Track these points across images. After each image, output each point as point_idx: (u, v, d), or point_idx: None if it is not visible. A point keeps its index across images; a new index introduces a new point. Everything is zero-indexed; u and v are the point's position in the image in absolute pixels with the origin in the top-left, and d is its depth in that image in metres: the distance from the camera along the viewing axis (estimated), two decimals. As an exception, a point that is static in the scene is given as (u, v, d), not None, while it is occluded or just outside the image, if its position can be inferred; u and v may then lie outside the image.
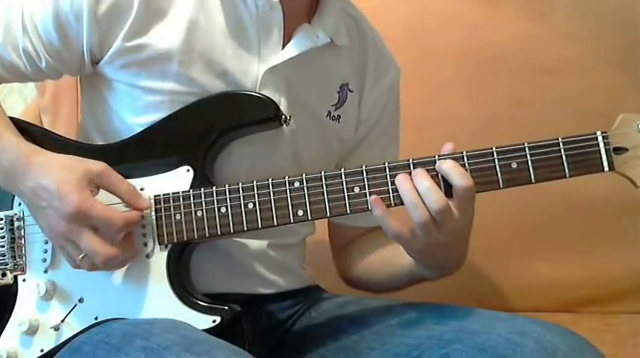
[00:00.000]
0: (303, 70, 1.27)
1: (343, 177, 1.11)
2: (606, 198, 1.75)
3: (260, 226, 1.14)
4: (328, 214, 1.12)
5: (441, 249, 1.12)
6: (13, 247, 1.23)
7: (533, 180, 1.08)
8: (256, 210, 1.14)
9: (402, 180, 1.08)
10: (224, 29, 1.23)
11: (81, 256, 1.12)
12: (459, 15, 1.87)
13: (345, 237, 1.43)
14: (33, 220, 1.19)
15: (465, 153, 1.09)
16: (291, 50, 1.24)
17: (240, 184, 1.14)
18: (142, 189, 1.19)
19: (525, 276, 1.78)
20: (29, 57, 1.23)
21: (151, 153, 1.21)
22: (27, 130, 1.23)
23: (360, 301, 1.32)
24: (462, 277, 1.71)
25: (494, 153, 1.08)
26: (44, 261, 1.22)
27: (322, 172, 1.12)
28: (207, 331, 1.11)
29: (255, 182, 1.14)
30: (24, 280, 1.23)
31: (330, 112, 1.32)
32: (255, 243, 1.27)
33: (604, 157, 1.07)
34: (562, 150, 1.07)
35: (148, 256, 1.18)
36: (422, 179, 1.07)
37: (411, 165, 1.10)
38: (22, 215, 1.24)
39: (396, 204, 1.09)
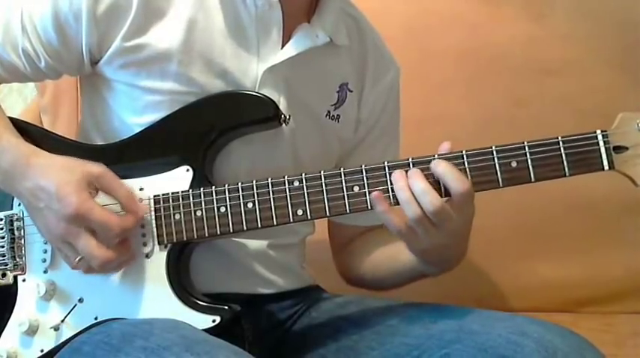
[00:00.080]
0: (303, 69, 1.27)
1: (343, 176, 1.11)
2: (606, 198, 1.75)
3: (259, 226, 1.14)
4: (328, 214, 1.12)
5: (443, 248, 1.13)
6: (13, 247, 1.23)
7: (532, 179, 1.08)
8: (256, 209, 1.14)
9: (397, 178, 1.08)
10: (223, 29, 1.23)
11: (77, 258, 1.12)
12: (459, 15, 1.87)
13: (345, 236, 1.43)
14: (32, 221, 1.19)
15: (464, 152, 1.08)
16: (291, 50, 1.24)
17: (239, 184, 1.15)
18: (141, 189, 1.19)
19: (525, 276, 1.78)
20: (28, 57, 1.23)
21: (150, 153, 1.21)
22: (26, 130, 1.23)
23: (360, 301, 1.32)
24: (462, 277, 1.71)
25: (494, 152, 1.08)
26: (44, 261, 1.22)
27: (322, 171, 1.12)
28: (207, 331, 1.11)
29: (254, 181, 1.14)
30: (24, 280, 1.23)
31: (329, 112, 1.32)
32: (254, 243, 1.27)
33: (604, 156, 1.07)
34: (562, 149, 1.07)
35: (147, 256, 1.18)
36: (417, 180, 1.07)
37: (411, 165, 1.10)
38: (21, 215, 1.24)
39: (396, 203, 1.09)
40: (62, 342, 1.19)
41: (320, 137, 1.32)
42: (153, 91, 1.21)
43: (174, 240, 1.17)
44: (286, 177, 1.13)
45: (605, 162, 1.07)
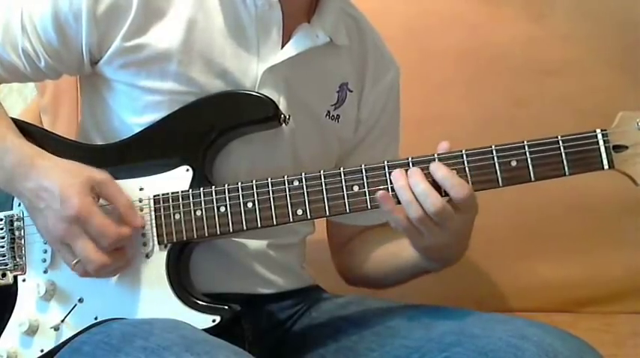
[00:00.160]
0: (303, 69, 1.27)
1: (342, 176, 1.11)
2: (606, 199, 1.76)
3: (259, 225, 1.14)
4: (328, 213, 1.12)
5: (446, 246, 1.13)
6: (13, 247, 1.23)
7: (532, 179, 1.08)
8: (255, 209, 1.14)
9: (397, 177, 1.09)
10: (223, 29, 1.23)
11: (75, 261, 1.12)
12: (459, 15, 1.87)
13: (345, 236, 1.43)
14: (32, 222, 1.19)
15: (464, 151, 1.09)
16: (291, 50, 1.24)
17: (239, 184, 1.15)
18: (141, 189, 1.19)
19: (525, 276, 1.78)
20: (28, 57, 1.23)
21: (150, 153, 1.21)
22: (27, 131, 1.23)
23: (360, 302, 1.32)
24: (462, 277, 1.72)
25: (494, 152, 1.08)
26: (44, 261, 1.22)
27: (321, 171, 1.12)
28: (207, 331, 1.11)
29: (254, 181, 1.14)
30: (24, 280, 1.23)
31: (329, 112, 1.32)
32: (254, 243, 1.27)
33: (604, 155, 1.06)
34: (562, 148, 1.07)
35: (147, 256, 1.18)
36: (417, 181, 1.07)
37: (410, 164, 1.10)
38: (22, 215, 1.24)
39: (397, 202, 1.09)
40: (62, 342, 1.18)
41: (320, 137, 1.32)
42: (153, 91, 1.21)
43: (174, 240, 1.17)
44: (286, 176, 1.13)
45: (605, 162, 1.07)
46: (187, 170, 1.18)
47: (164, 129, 1.21)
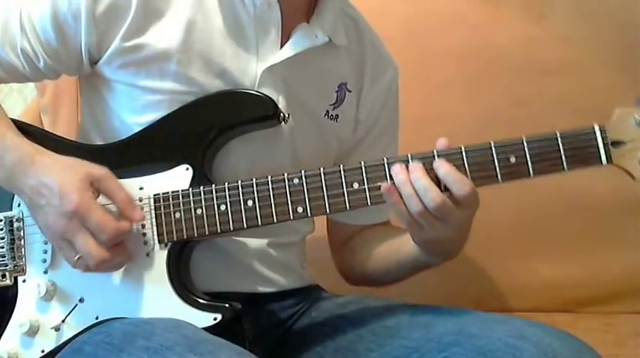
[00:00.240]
0: (302, 69, 1.27)
1: (342, 173, 1.12)
2: (605, 198, 1.76)
3: (260, 223, 1.14)
4: (328, 211, 1.12)
5: (447, 240, 1.14)
6: (12, 248, 1.23)
7: (531, 174, 1.08)
8: (256, 207, 1.14)
9: (397, 171, 1.09)
10: (222, 29, 1.23)
11: (76, 257, 1.12)
12: (459, 15, 1.87)
13: (345, 234, 1.43)
14: (32, 221, 1.19)
15: (463, 147, 1.09)
16: (290, 49, 1.25)
17: (239, 182, 1.15)
18: (141, 188, 1.19)
19: (525, 276, 1.78)
20: (27, 57, 1.23)
21: (150, 153, 1.21)
22: (26, 131, 1.23)
23: (360, 301, 1.32)
24: (462, 277, 1.72)
25: (493, 148, 1.09)
26: (44, 261, 1.22)
27: (321, 168, 1.13)
28: (208, 329, 1.12)
29: (254, 179, 1.14)
30: (24, 281, 1.23)
31: (328, 112, 1.32)
32: (254, 242, 1.27)
33: (602, 151, 1.07)
34: (560, 144, 1.07)
35: (148, 255, 1.18)
36: (418, 177, 1.07)
37: (410, 161, 1.10)
38: (21, 216, 1.24)
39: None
40: (63, 342, 1.19)
41: (319, 136, 1.32)
42: (152, 91, 1.21)
43: (175, 239, 1.17)
44: (286, 174, 1.14)
45: (604, 157, 1.07)
46: (187, 169, 1.19)
47: (163, 128, 1.21)
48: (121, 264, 1.16)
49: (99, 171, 1.15)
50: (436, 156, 1.09)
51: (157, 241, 1.18)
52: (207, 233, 1.16)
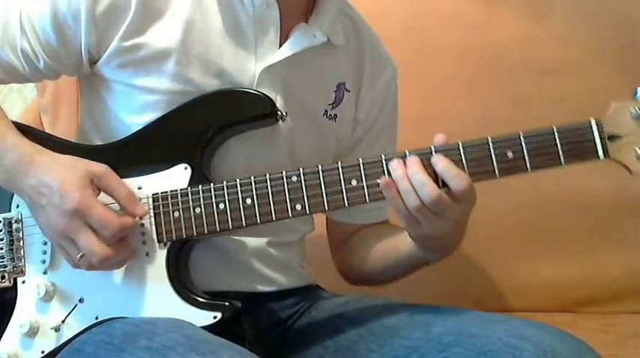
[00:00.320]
0: (300, 69, 1.27)
1: (340, 170, 1.12)
2: (605, 199, 1.76)
3: (258, 221, 1.14)
4: (326, 208, 1.13)
5: (444, 236, 1.14)
6: (11, 249, 1.23)
7: (529, 169, 1.08)
8: (254, 205, 1.14)
9: (395, 166, 1.09)
10: (221, 28, 1.23)
11: (79, 255, 1.12)
12: (459, 15, 1.87)
13: (344, 233, 1.43)
14: (31, 222, 1.20)
15: (460, 143, 1.09)
16: (288, 49, 1.25)
17: (237, 180, 1.15)
18: (139, 188, 1.19)
19: (524, 276, 1.78)
20: (27, 57, 1.23)
21: (148, 152, 1.21)
22: (25, 132, 1.23)
23: (360, 301, 1.32)
24: (462, 277, 1.72)
25: (490, 143, 1.09)
26: (43, 262, 1.22)
27: (319, 166, 1.13)
28: (208, 327, 1.12)
29: (252, 178, 1.14)
30: (23, 282, 1.23)
31: (326, 111, 1.33)
32: (254, 241, 1.28)
33: (599, 145, 1.07)
34: (557, 139, 1.08)
35: (147, 254, 1.18)
36: (415, 171, 1.08)
37: (408, 157, 1.10)
38: (20, 217, 1.24)
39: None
40: (63, 343, 1.19)
41: (317, 136, 1.32)
42: (151, 91, 1.21)
43: (174, 238, 1.17)
44: (284, 172, 1.14)
45: (600, 151, 1.07)
46: (185, 168, 1.19)
47: (162, 128, 1.21)
48: (123, 261, 1.16)
49: (99, 168, 1.15)
50: (434, 152, 1.10)
51: (156, 241, 1.18)
52: (206, 232, 1.16)
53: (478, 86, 1.83)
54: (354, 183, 1.11)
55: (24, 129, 1.24)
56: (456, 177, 1.07)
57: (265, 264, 1.29)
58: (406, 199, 1.08)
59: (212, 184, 1.16)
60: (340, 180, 1.12)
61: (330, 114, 1.33)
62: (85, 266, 1.14)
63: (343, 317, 1.29)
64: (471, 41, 1.85)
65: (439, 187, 1.07)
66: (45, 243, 1.22)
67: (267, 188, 1.14)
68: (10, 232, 1.24)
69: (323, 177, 1.12)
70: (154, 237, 1.18)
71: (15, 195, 1.23)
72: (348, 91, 1.35)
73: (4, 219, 1.24)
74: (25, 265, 1.23)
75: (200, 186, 1.16)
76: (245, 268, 1.27)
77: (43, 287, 1.20)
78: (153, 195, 1.18)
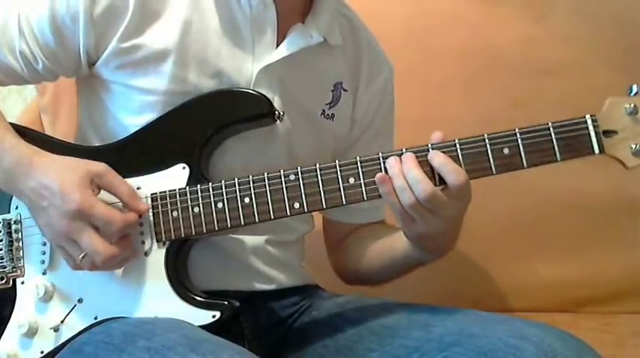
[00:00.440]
0: (297, 69, 1.27)
1: (338, 168, 1.12)
2: (604, 198, 1.76)
3: (257, 220, 1.14)
4: (324, 206, 1.13)
5: (440, 234, 1.13)
6: (11, 250, 1.23)
7: (525, 165, 1.09)
8: (253, 204, 1.14)
9: (391, 164, 1.10)
10: (218, 29, 1.23)
11: (82, 255, 1.12)
12: (459, 15, 1.87)
13: (341, 232, 1.43)
14: (30, 223, 1.20)
15: (457, 140, 1.10)
16: (285, 49, 1.25)
17: (235, 179, 1.15)
18: (138, 188, 1.19)
19: (524, 276, 1.78)
20: (25, 59, 1.23)
21: (146, 152, 1.22)
22: (23, 134, 1.23)
23: (360, 301, 1.32)
24: (461, 277, 1.71)
25: (486, 140, 1.09)
26: (42, 262, 1.22)
27: (317, 164, 1.13)
28: (207, 327, 1.12)
29: (250, 176, 1.15)
30: (22, 282, 1.23)
31: (324, 111, 1.33)
32: (253, 239, 1.28)
33: (594, 140, 1.08)
34: (552, 135, 1.08)
35: (146, 254, 1.18)
36: (410, 168, 1.08)
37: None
38: (19, 218, 1.24)
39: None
40: (62, 343, 1.19)
41: (315, 135, 1.32)
42: (149, 92, 1.22)
43: (173, 238, 1.17)
44: (282, 170, 1.14)
45: (596, 147, 1.08)
46: (184, 168, 1.19)
47: (160, 128, 1.22)
48: (126, 260, 1.17)
49: (98, 167, 1.15)
50: (431, 149, 1.10)
51: (154, 240, 1.18)
52: (204, 231, 1.16)
53: (478, 86, 1.83)
54: (351, 181, 1.12)
55: (22, 131, 1.24)
56: (452, 172, 1.07)
57: (264, 262, 1.29)
58: (401, 196, 1.08)
59: (210, 184, 1.16)
60: (338, 179, 1.12)
61: (328, 114, 1.33)
62: (88, 266, 1.14)
63: (343, 316, 1.29)
64: (471, 41, 1.85)
65: (435, 185, 1.07)
66: (44, 244, 1.22)
67: (266, 187, 1.14)
68: (9, 233, 1.24)
69: (321, 176, 1.13)
70: (153, 236, 1.18)
71: (14, 196, 1.23)
72: (346, 91, 1.35)
73: (3, 220, 1.25)
74: (24, 265, 1.23)
75: (198, 186, 1.17)
76: (244, 266, 1.27)
77: (42, 288, 1.20)
78: (151, 194, 1.18)
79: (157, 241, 1.18)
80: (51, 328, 1.19)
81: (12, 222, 1.24)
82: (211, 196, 1.16)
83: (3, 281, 1.23)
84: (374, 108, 1.40)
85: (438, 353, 1.06)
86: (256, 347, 1.19)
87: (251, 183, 1.14)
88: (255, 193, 1.14)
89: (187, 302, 1.16)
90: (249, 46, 1.24)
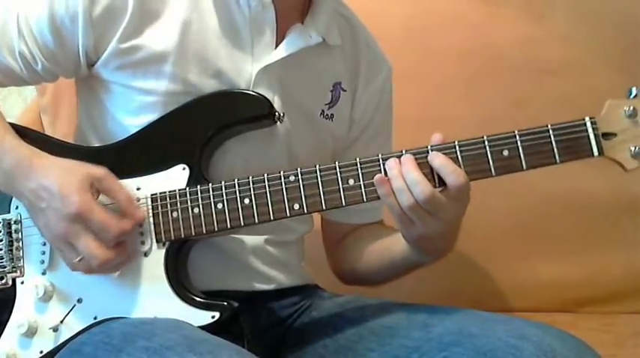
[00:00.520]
0: (296, 69, 1.28)
1: (338, 169, 1.12)
2: (605, 198, 1.76)
3: (257, 221, 1.14)
4: (324, 207, 1.13)
5: (438, 236, 1.14)
6: (11, 250, 1.23)
7: (524, 167, 1.09)
8: (252, 205, 1.14)
9: (391, 166, 1.10)
10: (217, 30, 1.23)
11: (78, 259, 1.12)
12: (459, 15, 1.87)
13: (340, 233, 1.43)
14: (30, 223, 1.20)
15: (456, 142, 1.10)
16: (284, 50, 1.25)
17: (235, 180, 1.15)
18: (138, 189, 1.19)
19: (524, 276, 1.78)
20: (25, 60, 1.23)
21: (146, 153, 1.22)
22: (23, 134, 1.23)
23: (360, 301, 1.32)
24: (461, 277, 1.71)
25: (486, 142, 1.09)
26: (42, 262, 1.22)
27: (317, 165, 1.13)
28: (206, 327, 1.12)
29: (250, 177, 1.15)
30: (22, 282, 1.23)
31: (323, 111, 1.33)
32: (252, 239, 1.28)
33: (593, 142, 1.08)
34: (552, 137, 1.08)
35: (145, 254, 1.18)
36: (409, 169, 1.08)
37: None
38: (19, 218, 1.24)
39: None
40: (61, 343, 1.19)
41: (314, 135, 1.32)
42: (148, 92, 1.22)
43: (172, 238, 1.17)
44: (282, 172, 1.14)
45: (595, 149, 1.08)
46: (184, 169, 1.19)
47: (160, 129, 1.22)
48: (121, 265, 1.16)
49: (98, 171, 1.15)
50: (430, 151, 1.10)
51: (154, 240, 1.18)
52: (204, 232, 1.16)
53: (478, 86, 1.83)
54: (351, 182, 1.12)
55: (22, 131, 1.24)
56: (452, 173, 1.07)
57: (264, 262, 1.29)
58: (400, 198, 1.08)
59: (210, 184, 1.16)
60: (338, 180, 1.12)
61: (327, 114, 1.33)
62: (83, 269, 1.14)
63: (343, 316, 1.29)
64: (472, 41, 1.85)
65: (434, 187, 1.08)
66: (44, 244, 1.22)
67: (265, 188, 1.14)
68: (9, 233, 1.24)
69: (320, 177, 1.13)
70: (153, 236, 1.18)
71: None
72: (345, 91, 1.35)
73: (3, 220, 1.24)
74: (24, 265, 1.23)
75: (198, 187, 1.17)
76: (243, 266, 1.27)
77: (41, 288, 1.20)
78: (152, 195, 1.18)
79: (157, 241, 1.18)
80: (50, 328, 1.19)
81: (12, 222, 1.24)
82: (211, 197, 1.16)
83: (2, 281, 1.23)
84: (372, 108, 1.40)
85: (437, 352, 1.06)
86: (256, 347, 1.19)
87: (251, 184, 1.14)
88: (254, 194, 1.14)
89: (187, 302, 1.16)
90: (249, 47, 1.24)
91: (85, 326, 1.18)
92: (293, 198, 1.13)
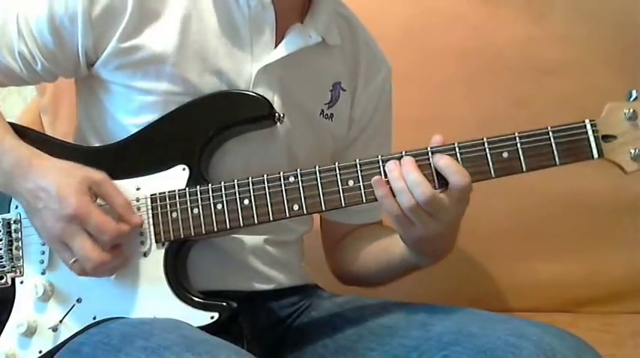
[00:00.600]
0: (296, 69, 1.28)
1: (337, 170, 1.12)
2: (605, 198, 1.76)
3: (256, 222, 1.14)
4: (323, 208, 1.13)
5: (437, 238, 1.14)
6: (10, 249, 1.23)
7: (524, 169, 1.09)
8: (252, 205, 1.14)
9: (391, 167, 1.10)
10: (217, 29, 1.23)
11: (72, 260, 1.12)
12: (459, 15, 1.87)
13: (339, 233, 1.43)
14: (30, 223, 1.19)
15: (456, 144, 1.10)
16: (283, 49, 1.25)
17: (235, 181, 1.15)
18: (138, 189, 1.19)
19: (524, 276, 1.78)
20: (25, 60, 1.23)
21: (146, 153, 1.22)
22: (22, 134, 1.23)
23: (359, 301, 1.32)
24: (461, 277, 1.71)
25: (485, 144, 1.09)
26: (42, 262, 1.22)
27: (317, 166, 1.13)
28: (205, 327, 1.12)
29: (250, 178, 1.15)
30: (21, 282, 1.23)
31: (323, 111, 1.33)
32: (252, 239, 1.28)
33: (593, 145, 1.08)
34: (552, 139, 1.08)
35: (145, 255, 1.18)
36: (409, 171, 1.08)
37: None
38: (19, 218, 1.24)
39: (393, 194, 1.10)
40: (61, 343, 1.19)
41: (314, 135, 1.32)
42: (148, 92, 1.22)
43: (172, 238, 1.17)
44: (282, 172, 1.14)
45: (595, 151, 1.08)
46: (184, 169, 1.19)
47: (160, 129, 1.22)
48: (116, 268, 1.16)
49: (97, 175, 1.15)
50: (430, 153, 1.10)
51: (154, 241, 1.18)
52: (204, 232, 1.16)
53: (478, 86, 1.83)
54: (350, 183, 1.12)
55: (22, 131, 1.24)
56: (457, 172, 1.07)
57: (263, 262, 1.29)
58: (400, 199, 1.08)
59: (210, 185, 1.16)
60: (337, 181, 1.12)
61: (327, 114, 1.33)
62: (78, 271, 1.14)
63: (342, 316, 1.29)
64: (472, 41, 1.85)
65: (434, 188, 1.08)
66: (43, 244, 1.22)
67: (265, 189, 1.14)
68: (8, 232, 1.24)
69: (320, 178, 1.13)
70: (152, 237, 1.18)
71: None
72: (344, 91, 1.35)
73: (2, 219, 1.24)
74: (23, 265, 1.23)
75: (198, 187, 1.17)
76: (243, 266, 1.27)
77: (41, 287, 1.20)
78: (151, 195, 1.18)
79: (157, 242, 1.18)
80: (49, 328, 1.19)
81: (12, 222, 1.24)
82: (210, 198, 1.16)
83: (2, 281, 1.23)
84: (372, 108, 1.40)
85: (437, 352, 1.06)
86: (255, 347, 1.19)
87: (250, 184, 1.14)
88: (254, 195, 1.14)
89: (186, 303, 1.16)
90: (248, 46, 1.24)
91: (84, 326, 1.18)
92: (292, 198, 1.13)
